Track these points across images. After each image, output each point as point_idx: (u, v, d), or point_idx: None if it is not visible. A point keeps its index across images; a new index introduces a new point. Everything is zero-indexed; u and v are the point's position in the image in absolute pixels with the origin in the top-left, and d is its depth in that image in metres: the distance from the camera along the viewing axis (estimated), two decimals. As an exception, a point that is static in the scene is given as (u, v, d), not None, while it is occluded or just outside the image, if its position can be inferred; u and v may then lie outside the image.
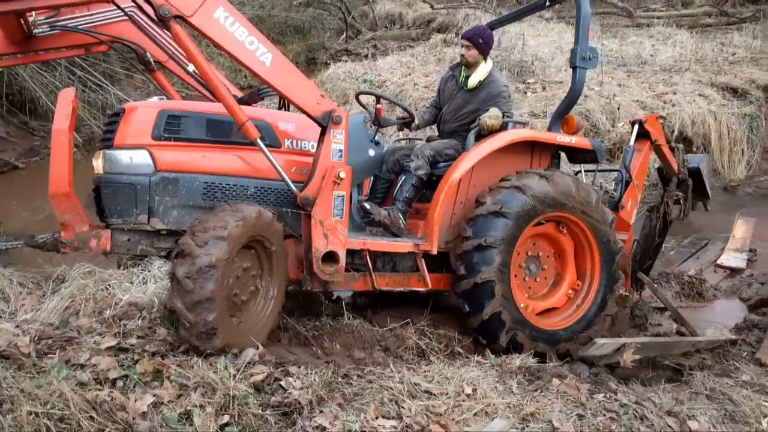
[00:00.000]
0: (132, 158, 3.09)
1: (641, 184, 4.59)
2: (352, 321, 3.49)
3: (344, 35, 15.79)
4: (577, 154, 4.21)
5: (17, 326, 2.87)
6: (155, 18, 2.93)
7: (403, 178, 3.82)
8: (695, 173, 5.07)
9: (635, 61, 10.74)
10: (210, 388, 2.51)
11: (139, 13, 3.65)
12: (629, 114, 8.27)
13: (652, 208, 4.60)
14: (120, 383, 2.49)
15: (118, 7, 3.53)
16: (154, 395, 2.42)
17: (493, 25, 4.83)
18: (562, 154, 4.33)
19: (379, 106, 3.92)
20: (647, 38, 12.12)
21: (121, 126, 3.14)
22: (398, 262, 3.68)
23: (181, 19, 2.86)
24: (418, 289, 3.64)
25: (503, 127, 3.85)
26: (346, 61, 12.08)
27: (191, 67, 4.01)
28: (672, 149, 4.94)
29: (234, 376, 2.58)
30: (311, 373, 2.72)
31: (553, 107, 8.32)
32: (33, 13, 3.61)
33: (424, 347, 3.46)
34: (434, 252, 3.59)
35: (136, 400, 2.38)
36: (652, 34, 12.48)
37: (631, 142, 4.62)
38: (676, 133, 8.19)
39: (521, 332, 3.53)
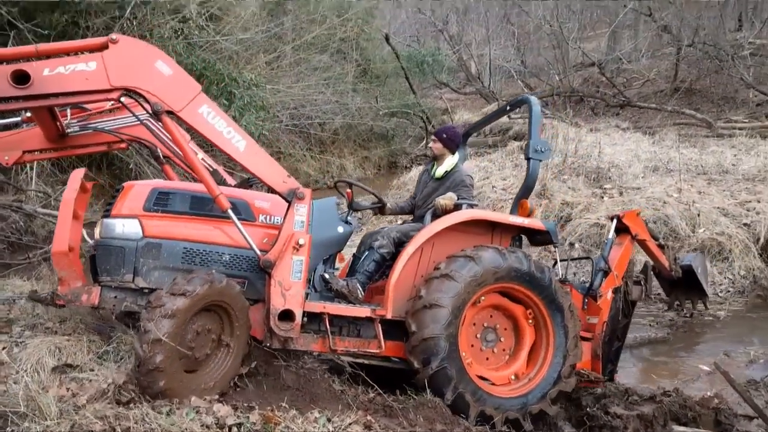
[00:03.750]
0: (124, 225, 3.62)
1: (621, 275, 4.70)
2: (434, 398, 3.71)
3: (425, 141, 16.87)
4: (535, 236, 4.47)
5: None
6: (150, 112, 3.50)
7: (366, 253, 4.25)
8: (688, 271, 5.13)
9: (716, 170, 10.77)
10: (311, 440, 2.82)
11: (152, 120, 4.24)
12: (710, 221, 8.27)
13: (616, 290, 4.64)
14: (235, 429, 2.86)
15: (134, 115, 4.12)
16: (265, 441, 2.77)
17: (468, 132, 5.53)
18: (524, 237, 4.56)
19: (349, 191, 4.53)
20: (729, 148, 12.14)
21: (119, 199, 3.74)
22: (362, 330, 3.95)
23: (171, 113, 3.47)
24: (373, 352, 3.89)
25: (458, 208, 4.26)
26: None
27: (198, 157, 4.58)
28: (661, 246, 5.06)
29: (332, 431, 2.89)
30: (400, 437, 2.97)
31: (631, 211, 8.50)
32: (68, 116, 4.33)
33: (502, 434, 3.60)
34: (389, 316, 3.86)
35: (249, 444, 2.73)
36: (734, 145, 12.49)
37: (609, 235, 4.87)
38: (762, 240, 8.05)
39: (466, 392, 3.69)
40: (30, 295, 3.84)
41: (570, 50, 19.14)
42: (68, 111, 4.31)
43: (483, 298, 3.99)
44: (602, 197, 9.42)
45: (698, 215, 8.34)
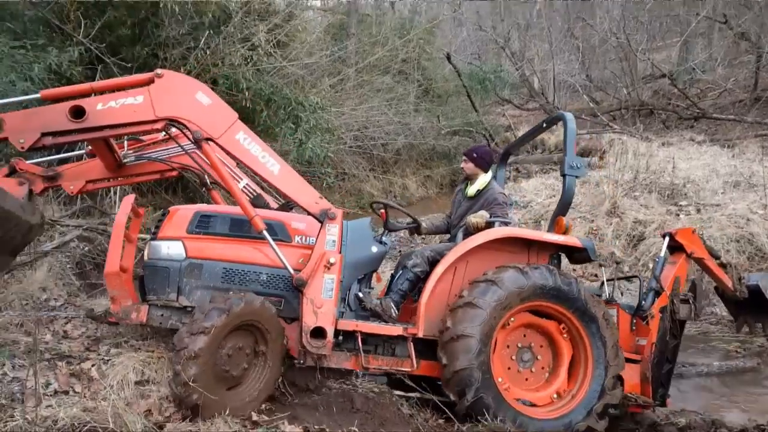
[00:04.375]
0: (169, 247, 3.85)
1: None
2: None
3: (488, 159, 16.67)
4: (574, 254, 4.32)
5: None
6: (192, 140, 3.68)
7: (400, 272, 4.27)
8: (755, 292, 4.80)
9: (807, 183, 10.02)
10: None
11: (197, 150, 4.35)
12: (801, 239, 7.70)
13: (663, 309, 4.35)
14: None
15: (180, 146, 4.42)
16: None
17: (508, 151, 5.57)
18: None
19: (383, 211, 4.57)
20: (818, 160, 11.29)
21: (165, 223, 3.96)
22: (397, 349, 3.97)
23: (210, 140, 3.65)
24: (405, 370, 3.88)
25: (490, 225, 4.20)
26: (490, 184, 12.69)
27: (241, 184, 4.86)
28: (723, 265, 4.75)
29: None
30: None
31: (710, 230, 8.05)
32: (125, 147, 4.60)
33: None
34: (420, 334, 3.87)
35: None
36: (824, 156, 11.62)
37: (661, 254, 4.65)
38: None
39: (506, 419, 3.60)
40: (87, 313, 4.07)
41: (638, 62, 18.48)
42: (125, 143, 4.63)
43: (512, 319, 3.93)
44: (678, 215, 8.97)
45: (788, 233, 7.80)
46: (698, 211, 8.96)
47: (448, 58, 17.05)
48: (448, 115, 16.29)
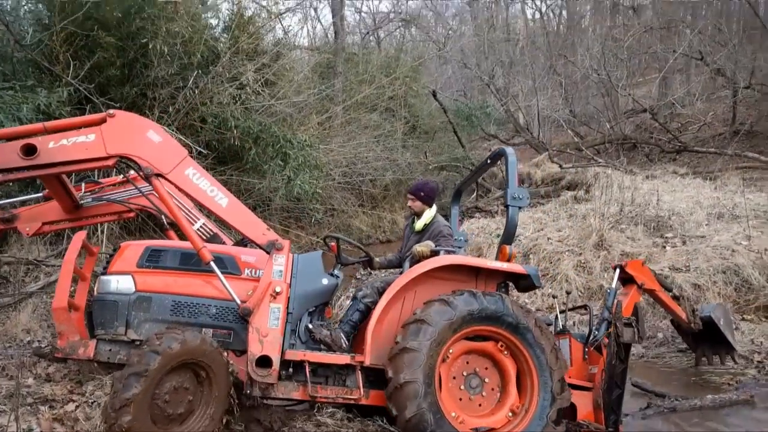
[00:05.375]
0: (118, 281, 3.87)
1: None
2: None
3: (475, 194, 16.84)
4: (520, 282, 4.37)
5: None
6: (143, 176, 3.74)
7: (351, 303, 4.32)
8: (709, 323, 4.88)
9: (789, 214, 10.19)
10: None
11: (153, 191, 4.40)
12: (786, 270, 7.77)
13: (609, 335, 4.41)
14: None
15: (138, 189, 4.39)
16: None
17: (459, 189, 5.78)
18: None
19: (333, 244, 4.61)
20: (799, 191, 11.53)
21: (115, 258, 4.00)
22: (347, 380, 3.96)
23: (161, 176, 3.74)
24: (353, 399, 3.86)
25: (435, 254, 4.30)
26: (478, 218, 12.79)
27: (198, 225, 4.94)
28: (676, 298, 4.87)
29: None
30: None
31: (696, 261, 8.12)
32: (82, 189, 4.64)
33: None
34: (367, 362, 3.86)
35: None
36: (804, 187, 11.88)
37: (613, 285, 4.76)
38: None
39: None
40: (34, 351, 3.98)
41: (620, 97, 18.94)
42: (83, 185, 4.68)
43: (451, 350, 3.93)
44: (664, 247, 9.05)
45: (773, 264, 7.87)
46: (684, 243, 9.05)
47: (434, 95, 17.36)
48: (435, 150, 16.51)
